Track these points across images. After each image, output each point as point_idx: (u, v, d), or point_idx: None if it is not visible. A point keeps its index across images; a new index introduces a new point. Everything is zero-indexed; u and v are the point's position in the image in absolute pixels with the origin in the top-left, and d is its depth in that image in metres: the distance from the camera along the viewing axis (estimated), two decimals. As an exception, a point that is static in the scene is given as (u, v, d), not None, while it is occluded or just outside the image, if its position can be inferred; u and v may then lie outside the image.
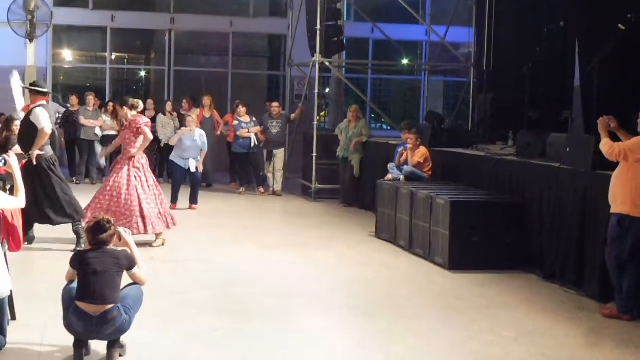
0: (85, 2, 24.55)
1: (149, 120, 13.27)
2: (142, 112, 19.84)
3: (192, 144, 16.63)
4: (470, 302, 9.70)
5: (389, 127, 23.86)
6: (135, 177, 12.24)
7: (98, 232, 7.13)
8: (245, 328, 8.26)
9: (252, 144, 19.27)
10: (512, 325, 8.71)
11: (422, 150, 14.44)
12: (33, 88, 12.00)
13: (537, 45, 14.85)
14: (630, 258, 8.82)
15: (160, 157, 20.46)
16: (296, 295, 9.81)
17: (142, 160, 12.52)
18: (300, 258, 12.05)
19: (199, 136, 16.75)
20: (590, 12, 14.30)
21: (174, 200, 16.49)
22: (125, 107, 12.51)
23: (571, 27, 15.10)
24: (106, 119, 20.37)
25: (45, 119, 11.42)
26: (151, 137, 12.66)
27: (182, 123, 20.20)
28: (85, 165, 20.53)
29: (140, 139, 12.40)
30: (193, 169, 16.49)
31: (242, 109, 19.42)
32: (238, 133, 19.33)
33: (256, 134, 19.31)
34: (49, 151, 11.68)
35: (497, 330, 8.50)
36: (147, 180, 12.40)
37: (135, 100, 12.77)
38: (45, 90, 12.07)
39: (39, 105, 11.65)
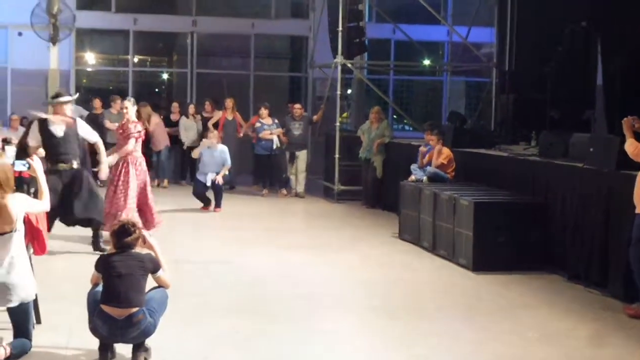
0: (108, 5, 24.64)
1: (142, 130, 13.26)
2: (167, 115, 20.09)
3: (210, 160, 16.73)
4: (494, 303, 9.69)
5: (411, 128, 23.80)
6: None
7: (123, 236, 7.16)
8: (268, 330, 8.28)
9: (275, 146, 19.31)
10: (536, 326, 8.69)
11: (446, 151, 14.42)
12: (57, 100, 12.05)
13: (559, 45, 14.84)
14: (654, 258, 8.80)
15: (183, 159, 20.52)
16: (319, 296, 9.83)
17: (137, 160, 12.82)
18: (323, 259, 12.05)
19: (220, 152, 16.83)
20: (613, 12, 14.27)
21: (205, 204, 16.63)
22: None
23: (593, 26, 15.07)
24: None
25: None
26: (131, 149, 12.76)
27: (205, 125, 20.30)
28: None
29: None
30: (209, 183, 16.50)
31: (264, 111, 19.47)
32: (260, 135, 19.38)
33: (278, 136, 19.33)
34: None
35: (520, 331, 8.49)
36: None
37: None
38: (68, 99, 12.15)
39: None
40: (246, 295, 9.76)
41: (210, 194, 16.72)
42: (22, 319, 7.15)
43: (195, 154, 17.36)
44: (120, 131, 12.99)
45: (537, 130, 14.17)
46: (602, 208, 10.25)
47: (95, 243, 11.93)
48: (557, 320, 8.94)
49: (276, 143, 19.29)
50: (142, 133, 13.08)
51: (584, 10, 15.52)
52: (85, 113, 20.75)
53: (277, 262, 11.79)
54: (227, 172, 16.96)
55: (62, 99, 11.89)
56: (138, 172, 12.78)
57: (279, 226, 15.16)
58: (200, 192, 16.66)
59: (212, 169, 16.64)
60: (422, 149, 15.06)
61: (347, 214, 17.02)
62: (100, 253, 9.14)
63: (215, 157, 16.80)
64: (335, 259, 12.16)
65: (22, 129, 17.16)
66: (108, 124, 19.95)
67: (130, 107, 12.89)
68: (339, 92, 18.96)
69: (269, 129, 19.30)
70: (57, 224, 11.69)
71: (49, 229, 8.88)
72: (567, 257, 11.03)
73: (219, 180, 16.62)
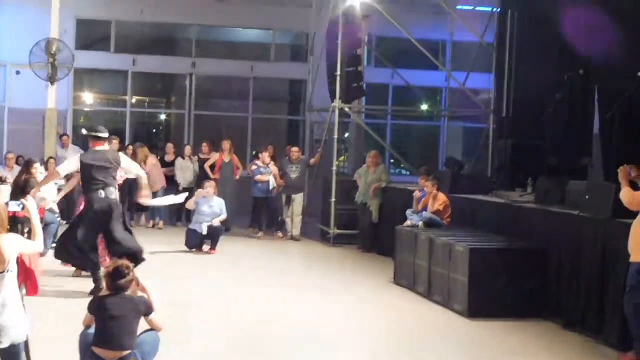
0: (107, 45, 24.75)
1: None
2: (162, 156, 20.09)
3: (207, 210, 16.69)
4: (490, 350, 9.64)
5: (408, 173, 23.82)
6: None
7: (117, 278, 7.14)
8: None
9: (271, 187, 19.29)
10: (531, 374, 8.66)
11: (442, 197, 14.42)
12: (93, 134, 12.19)
13: (556, 92, 14.86)
14: (649, 307, 8.77)
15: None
16: (316, 339, 9.79)
17: None
18: (318, 303, 12.02)
19: (217, 203, 16.82)
20: (610, 59, 14.32)
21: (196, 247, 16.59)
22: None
23: (591, 74, 15.12)
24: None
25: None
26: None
27: (202, 167, 20.30)
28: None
29: None
30: (205, 232, 16.44)
31: (265, 154, 19.51)
32: (256, 178, 19.38)
33: (275, 178, 19.31)
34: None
35: (515, 378, 8.46)
36: None
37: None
38: (105, 135, 12.33)
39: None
40: (241, 337, 9.72)
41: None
42: (13, 360, 7.10)
43: (190, 204, 17.30)
44: None
45: (534, 177, 14.16)
46: (597, 255, 10.24)
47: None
48: (552, 368, 8.91)
49: (272, 184, 19.28)
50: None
51: (582, 57, 15.59)
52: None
53: (272, 305, 11.75)
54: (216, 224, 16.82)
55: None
56: None
57: (274, 269, 15.10)
58: (193, 243, 16.56)
59: (208, 219, 16.58)
60: (417, 193, 15.09)
61: (343, 258, 16.98)
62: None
63: (212, 207, 16.76)
64: (330, 303, 12.12)
65: (17, 168, 17.20)
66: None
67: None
68: (336, 136, 19.01)
69: (265, 172, 19.30)
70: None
71: None
72: (563, 304, 11.00)
73: (217, 223, 16.55)
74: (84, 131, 13.17)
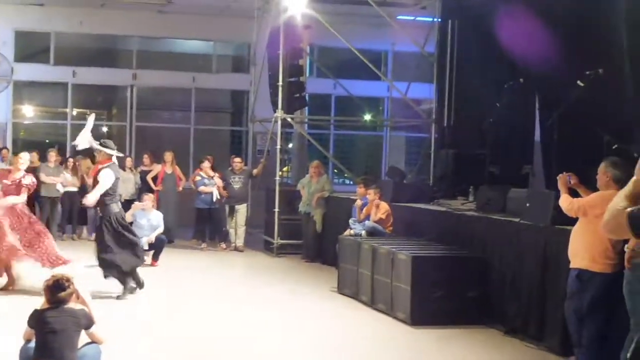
0: (47, 58, 24.52)
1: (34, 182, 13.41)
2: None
3: (145, 223, 16.57)
4: (432, 358, 9.70)
5: (351, 182, 23.86)
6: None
7: (57, 291, 7.08)
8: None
9: (215, 199, 19.22)
10: (474, 381, 8.71)
11: (384, 206, 14.50)
12: (104, 148, 12.43)
13: (497, 101, 14.98)
14: (589, 312, 8.84)
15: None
16: (258, 351, 9.77)
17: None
18: (263, 314, 11.99)
19: (156, 217, 16.72)
20: (550, 68, 14.46)
21: None
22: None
23: (531, 83, 15.26)
24: (67, 175, 20.17)
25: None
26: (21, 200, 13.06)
27: (144, 179, 20.19)
28: (46, 222, 20.30)
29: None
30: (146, 247, 16.34)
31: (207, 164, 19.43)
32: (199, 189, 19.31)
33: (218, 189, 19.25)
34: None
35: (458, 386, 8.50)
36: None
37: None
38: (112, 152, 12.83)
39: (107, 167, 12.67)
40: (185, 350, 9.65)
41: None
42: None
43: (127, 217, 17.17)
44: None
45: (476, 185, 14.27)
46: (538, 262, 10.33)
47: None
48: (494, 375, 8.96)
49: (216, 195, 19.21)
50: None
51: (522, 67, 15.73)
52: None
53: (217, 318, 11.69)
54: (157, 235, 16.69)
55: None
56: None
57: (218, 280, 15.05)
58: None
59: (147, 232, 16.44)
60: (358, 202, 15.16)
61: (287, 268, 16.96)
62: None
63: (151, 220, 16.64)
64: (274, 313, 12.11)
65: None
66: (44, 177, 19.62)
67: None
68: (279, 147, 19.03)
69: (209, 183, 19.23)
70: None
71: None
72: (504, 311, 11.08)
73: (152, 240, 16.41)
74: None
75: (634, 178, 4.39)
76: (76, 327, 7.03)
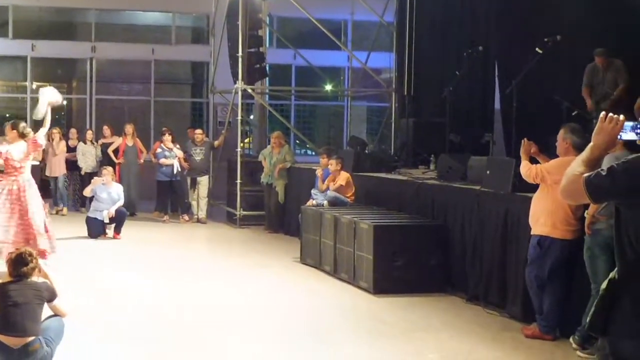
0: (5, 31, 24.34)
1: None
2: (66, 141, 19.85)
3: (106, 197, 16.49)
4: (395, 326, 9.73)
5: (313, 153, 23.89)
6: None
7: (20, 265, 7.07)
8: (174, 358, 8.21)
9: (175, 170, 19.17)
10: (437, 347, 8.77)
11: (345, 175, 14.55)
12: None
13: (457, 70, 15.04)
14: (550, 278, 8.94)
15: (82, 185, 20.23)
16: (221, 323, 9.77)
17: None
18: (226, 286, 12.02)
19: (116, 189, 16.67)
20: (508, 36, 14.53)
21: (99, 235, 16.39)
22: (15, 131, 12.35)
23: (490, 50, 15.33)
24: (27, 148, 20.03)
25: None
26: None
27: (105, 152, 20.12)
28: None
29: None
30: (107, 220, 16.28)
31: (168, 137, 19.35)
32: (160, 161, 19.24)
33: (179, 160, 19.20)
34: None
35: (422, 353, 8.56)
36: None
37: (27, 128, 12.60)
38: None
39: None
40: (151, 324, 9.65)
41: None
42: None
43: (87, 192, 17.15)
44: None
45: (437, 154, 14.32)
46: (499, 230, 10.39)
47: None
48: (457, 342, 9.02)
49: (177, 167, 19.16)
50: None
51: (481, 34, 15.80)
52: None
53: (178, 289, 11.69)
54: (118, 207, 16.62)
55: None
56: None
57: (181, 253, 15.04)
58: (96, 232, 16.33)
59: (108, 206, 16.38)
60: (319, 172, 15.18)
61: (250, 239, 16.98)
62: None
63: (111, 194, 16.57)
64: (237, 284, 12.13)
65: None
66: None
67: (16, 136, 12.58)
68: (240, 118, 18.98)
69: (170, 155, 19.17)
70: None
71: None
72: (466, 278, 11.15)
73: (112, 214, 16.36)
74: None
75: (591, 144, 4.43)
76: (39, 299, 7.03)
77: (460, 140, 15.20)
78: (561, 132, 8.98)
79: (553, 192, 8.56)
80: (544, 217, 8.97)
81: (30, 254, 7.19)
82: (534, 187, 9.26)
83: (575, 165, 4.38)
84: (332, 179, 14.71)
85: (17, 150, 12.13)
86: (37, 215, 11.95)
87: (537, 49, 12.20)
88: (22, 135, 12.22)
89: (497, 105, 15.86)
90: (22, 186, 12.00)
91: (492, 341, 9.08)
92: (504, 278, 10.33)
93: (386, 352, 8.59)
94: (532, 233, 9.12)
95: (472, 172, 12.10)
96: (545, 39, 12.16)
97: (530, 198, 9.26)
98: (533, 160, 9.34)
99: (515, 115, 12.33)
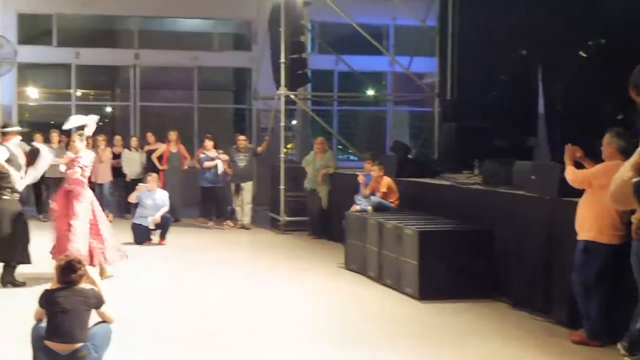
0: (50, 40, 24.55)
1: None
2: (111, 148, 19.98)
3: (151, 203, 16.60)
4: (441, 332, 9.71)
5: (355, 158, 23.88)
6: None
7: (69, 272, 7.12)
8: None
9: (219, 172, 19.24)
10: (482, 353, 8.74)
11: (386, 180, 14.51)
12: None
13: (500, 74, 14.98)
14: (596, 284, 8.88)
15: (127, 191, 20.34)
16: (268, 328, 9.79)
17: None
18: (270, 291, 12.03)
19: (160, 196, 16.77)
20: (552, 39, 14.44)
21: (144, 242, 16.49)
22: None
23: (534, 54, 15.24)
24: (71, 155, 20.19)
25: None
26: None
27: (149, 158, 20.24)
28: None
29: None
30: (152, 226, 16.39)
31: (209, 143, 19.45)
32: (204, 165, 19.32)
33: (223, 163, 19.25)
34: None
35: (467, 358, 8.54)
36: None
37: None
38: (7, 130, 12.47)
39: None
40: (195, 328, 9.69)
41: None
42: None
43: (132, 198, 17.26)
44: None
45: (481, 159, 14.26)
46: (544, 235, 10.34)
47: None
48: (503, 348, 8.98)
49: (221, 168, 19.22)
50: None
51: (525, 38, 15.71)
52: (27, 148, 20.53)
53: (224, 295, 11.74)
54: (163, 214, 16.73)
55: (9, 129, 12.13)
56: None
57: (225, 258, 15.09)
58: (141, 238, 16.47)
59: (153, 212, 16.50)
60: (361, 178, 15.15)
61: (294, 245, 17.01)
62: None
63: (156, 200, 16.68)
64: (282, 290, 12.15)
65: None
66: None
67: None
68: (282, 124, 19.01)
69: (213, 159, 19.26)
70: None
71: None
72: (512, 284, 11.10)
73: (157, 220, 16.48)
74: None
75: (639, 148, 4.39)
76: (86, 306, 7.08)
77: (504, 145, 15.14)
78: (606, 137, 8.93)
79: (599, 197, 8.50)
80: (590, 222, 8.92)
81: (79, 262, 7.25)
82: (579, 192, 9.20)
83: (624, 170, 4.34)
84: (375, 184, 14.69)
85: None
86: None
87: (581, 52, 12.12)
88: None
89: (541, 109, 15.76)
90: None
91: (538, 347, 9.02)
92: (549, 283, 10.28)
93: (431, 358, 8.57)
94: (578, 238, 9.06)
95: (517, 176, 12.03)
96: (590, 43, 12.08)
97: (576, 203, 9.21)
98: (579, 165, 9.29)
99: (560, 119, 12.26)
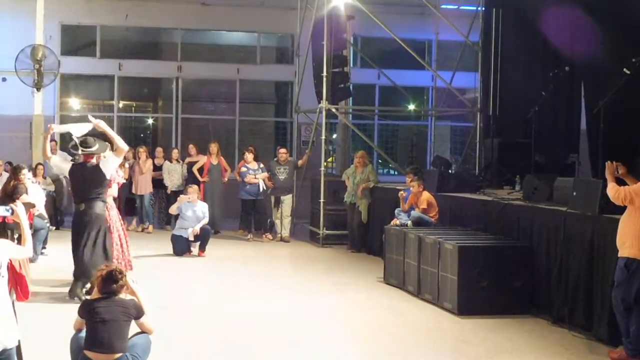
0: (93, 51, 24.76)
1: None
2: (152, 160, 20.16)
3: (192, 215, 16.66)
4: (480, 347, 9.67)
5: (396, 173, 23.84)
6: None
7: (110, 282, 7.17)
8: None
9: (260, 190, 19.29)
10: (522, 370, 8.70)
11: (426, 195, 14.50)
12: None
13: (543, 89, 14.92)
14: (637, 301, 8.81)
15: (167, 203, 20.44)
16: (306, 341, 9.80)
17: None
18: (309, 304, 12.04)
19: (201, 208, 16.81)
20: (596, 56, 14.37)
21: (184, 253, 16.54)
22: None
23: (577, 71, 15.17)
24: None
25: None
26: None
27: (190, 170, 20.33)
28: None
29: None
30: (192, 238, 16.43)
31: (249, 155, 19.50)
32: (245, 179, 19.37)
33: (264, 180, 19.33)
34: None
35: (506, 375, 8.50)
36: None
37: None
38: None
39: None
40: (234, 340, 9.73)
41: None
42: (5, 365, 7.11)
43: (173, 210, 17.34)
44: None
45: (522, 174, 14.21)
46: (586, 251, 10.27)
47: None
48: (542, 364, 8.94)
49: (262, 187, 19.28)
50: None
51: (567, 54, 15.64)
52: (70, 158, 20.70)
53: (263, 307, 11.75)
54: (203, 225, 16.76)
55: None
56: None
57: (265, 271, 15.10)
58: (181, 249, 16.49)
59: (193, 224, 16.55)
60: (402, 193, 15.15)
61: (333, 258, 16.99)
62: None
63: (196, 212, 16.73)
64: (320, 303, 12.14)
65: (5, 175, 17.19)
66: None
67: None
68: (323, 137, 19.01)
69: (254, 174, 19.29)
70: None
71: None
72: (552, 300, 11.03)
73: (197, 232, 16.53)
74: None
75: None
76: (126, 317, 7.12)
77: (546, 161, 15.07)
78: (649, 154, 8.88)
79: (641, 214, 8.45)
80: (630, 240, 8.86)
81: (120, 272, 7.30)
82: (621, 209, 9.15)
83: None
84: (413, 199, 14.67)
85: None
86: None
87: (624, 69, 12.04)
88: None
89: (583, 125, 15.69)
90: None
91: (578, 364, 8.98)
92: (590, 300, 10.21)
93: (470, 374, 8.54)
94: (619, 255, 9.00)
95: (558, 193, 11.98)
96: (634, 59, 11.99)
97: (617, 220, 9.15)
98: (621, 182, 9.23)
99: (602, 136, 12.17)
